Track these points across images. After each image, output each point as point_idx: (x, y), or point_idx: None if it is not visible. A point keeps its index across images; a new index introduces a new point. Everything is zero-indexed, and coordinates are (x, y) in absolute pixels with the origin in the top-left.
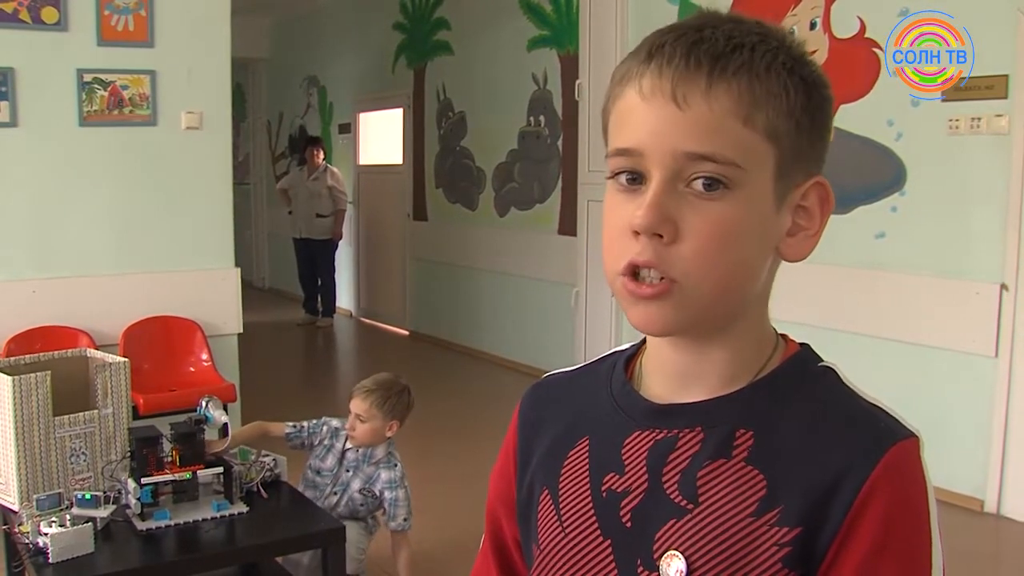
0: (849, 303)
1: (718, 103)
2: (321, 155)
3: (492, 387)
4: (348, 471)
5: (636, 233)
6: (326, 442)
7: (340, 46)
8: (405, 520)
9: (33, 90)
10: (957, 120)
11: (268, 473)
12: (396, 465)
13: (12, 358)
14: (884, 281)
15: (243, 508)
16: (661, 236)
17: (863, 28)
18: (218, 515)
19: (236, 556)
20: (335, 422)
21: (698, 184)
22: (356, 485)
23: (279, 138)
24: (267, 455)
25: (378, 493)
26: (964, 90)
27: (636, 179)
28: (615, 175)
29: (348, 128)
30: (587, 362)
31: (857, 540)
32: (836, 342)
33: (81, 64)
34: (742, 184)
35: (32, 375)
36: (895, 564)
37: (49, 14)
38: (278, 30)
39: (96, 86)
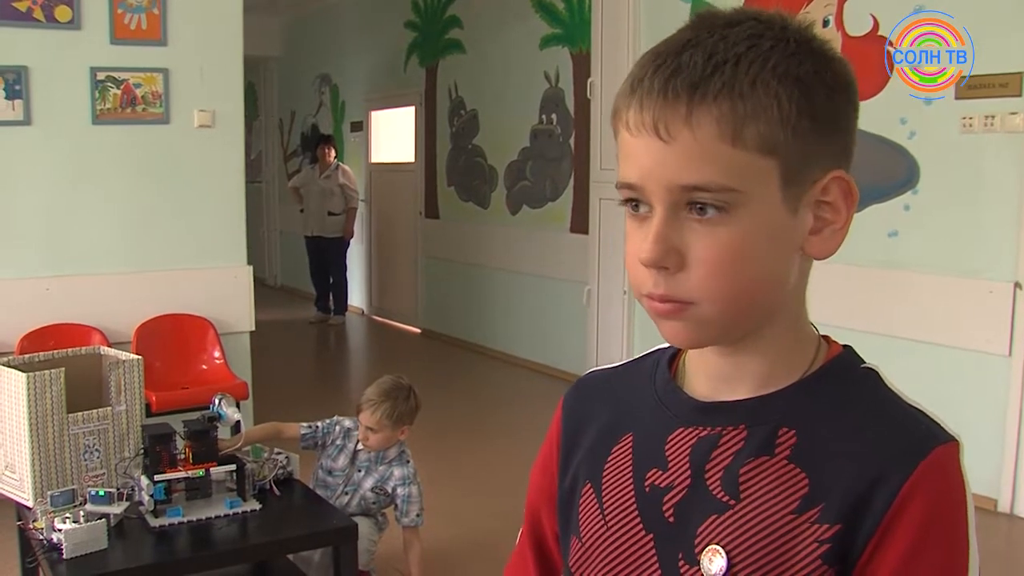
0: (861, 302)
1: (701, 130)
2: (333, 153)
3: (504, 385)
4: (360, 471)
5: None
6: (338, 442)
7: (352, 44)
8: (418, 516)
9: (47, 88)
10: (971, 118)
11: (281, 471)
12: (408, 462)
13: (26, 355)
14: (897, 280)
15: (256, 505)
16: (668, 268)
17: (876, 26)
18: (231, 512)
19: (248, 553)
20: (347, 422)
21: (697, 210)
22: (368, 484)
23: (291, 136)
24: (280, 452)
25: (391, 490)
26: (978, 88)
27: (643, 205)
28: (625, 203)
29: (360, 126)
30: (630, 359)
31: (894, 540)
32: (848, 341)
33: (94, 62)
34: (743, 204)
35: (46, 372)
36: (931, 566)
37: (63, 12)
38: (290, 28)
39: (109, 84)
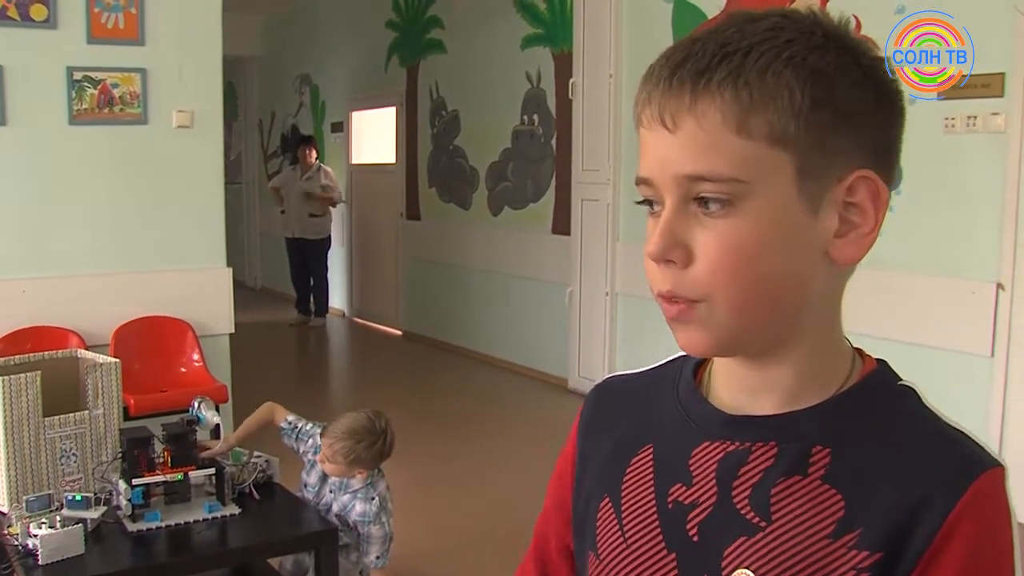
0: (844, 302)
1: (706, 119)
2: (314, 154)
3: (485, 387)
4: (331, 492)
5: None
6: (309, 456)
7: (333, 44)
8: (378, 558)
9: (22, 88)
10: (953, 119)
11: (260, 474)
12: (374, 498)
13: (1, 358)
14: (880, 280)
15: (235, 509)
16: (674, 262)
17: (859, 26)
18: (210, 516)
19: (228, 558)
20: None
21: (704, 204)
22: (335, 509)
23: (271, 137)
24: (259, 456)
25: (352, 525)
26: (960, 88)
27: (657, 204)
28: (642, 202)
29: (341, 127)
30: (653, 366)
31: (940, 570)
32: None
33: (71, 62)
34: (750, 196)
35: (22, 375)
36: None
37: (38, 11)
38: (270, 28)
39: (86, 84)
